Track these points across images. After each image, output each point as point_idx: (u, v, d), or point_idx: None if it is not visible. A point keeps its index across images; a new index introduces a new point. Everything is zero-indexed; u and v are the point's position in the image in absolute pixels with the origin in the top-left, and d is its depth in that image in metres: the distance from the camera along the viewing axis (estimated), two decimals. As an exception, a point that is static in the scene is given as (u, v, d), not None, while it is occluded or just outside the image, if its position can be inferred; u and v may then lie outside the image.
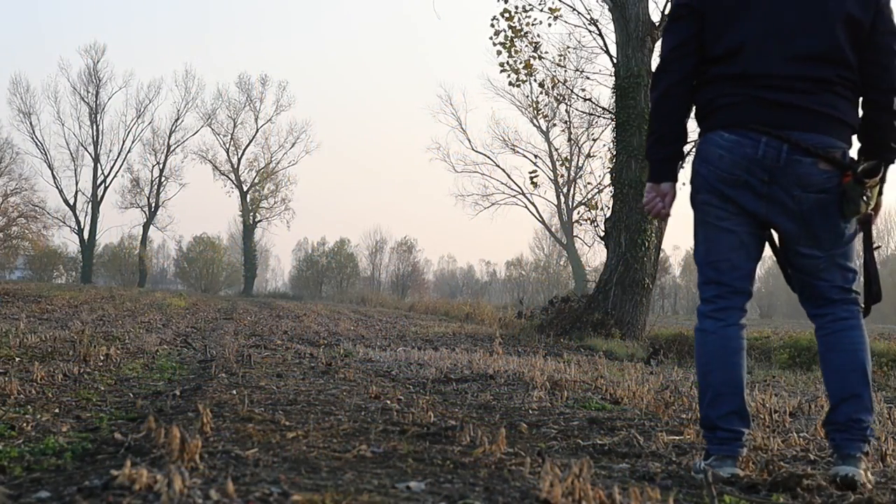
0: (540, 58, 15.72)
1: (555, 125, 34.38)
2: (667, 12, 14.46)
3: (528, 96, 38.55)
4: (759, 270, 78.41)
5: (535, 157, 41.33)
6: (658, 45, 14.51)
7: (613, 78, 14.48)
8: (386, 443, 3.16)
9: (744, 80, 2.82)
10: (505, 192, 45.69)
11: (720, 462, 2.77)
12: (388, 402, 4.44)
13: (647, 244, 13.75)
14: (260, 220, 55.26)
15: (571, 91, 16.34)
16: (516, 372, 6.39)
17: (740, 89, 2.82)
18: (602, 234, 14.60)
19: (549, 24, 15.84)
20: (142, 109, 53.31)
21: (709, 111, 2.89)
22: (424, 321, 19.67)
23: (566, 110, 17.93)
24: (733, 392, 2.81)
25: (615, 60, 14.46)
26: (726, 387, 2.82)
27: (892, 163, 2.89)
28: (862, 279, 3.02)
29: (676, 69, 2.93)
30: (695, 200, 2.93)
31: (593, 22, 15.25)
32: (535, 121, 43.32)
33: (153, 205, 53.39)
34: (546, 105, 20.36)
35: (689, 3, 2.90)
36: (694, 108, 3.00)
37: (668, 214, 3.02)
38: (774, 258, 3.00)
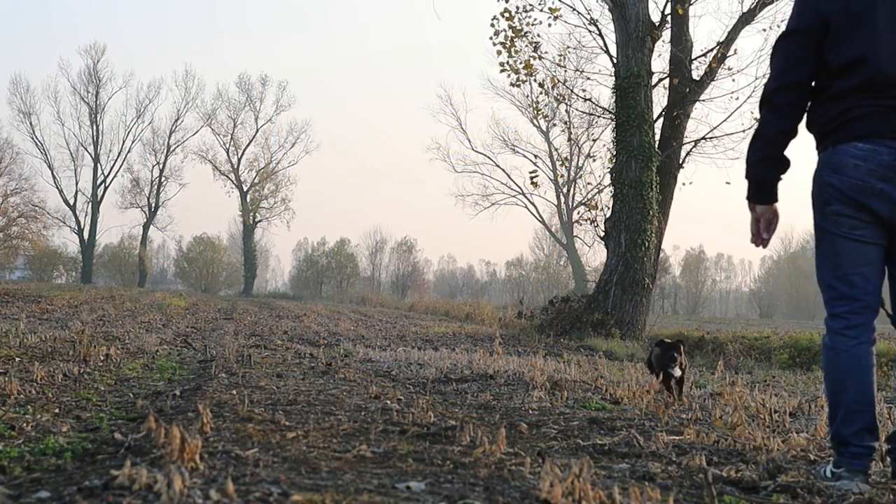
0: (540, 58, 15.72)
1: (555, 125, 34.44)
2: (667, 12, 14.49)
3: (528, 96, 38.60)
4: (759, 270, 76.72)
5: (535, 157, 41.45)
6: (664, 43, 14.50)
7: (613, 78, 14.48)
8: (386, 443, 3.16)
9: (873, 89, 2.82)
10: (505, 192, 45.74)
11: (851, 475, 2.79)
12: (388, 402, 4.44)
13: (647, 244, 13.75)
14: (260, 220, 55.30)
15: (571, 91, 16.33)
16: (516, 372, 6.39)
17: (872, 100, 2.82)
18: (602, 234, 14.60)
19: (549, 25, 15.81)
20: (142, 109, 53.41)
21: (838, 124, 2.87)
22: (424, 321, 19.67)
23: (566, 110, 17.92)
24: (866, 409, 2.83)
25: (615, 60, 14.45)
26: (859, 404, 2.83)
27: None
28: None
29: (794, 88, 2.92)
30: (824, 213, 2.90)
31: (593, 22, 15.25)
32: (535, 121, 43.36)
33: (153, 205, 53.43)
34: (546, 105, 20.39)
35: (815, 15, 2.88)
36: (815, 122, 2.98)
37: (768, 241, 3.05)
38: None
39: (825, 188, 2.88)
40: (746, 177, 2.99)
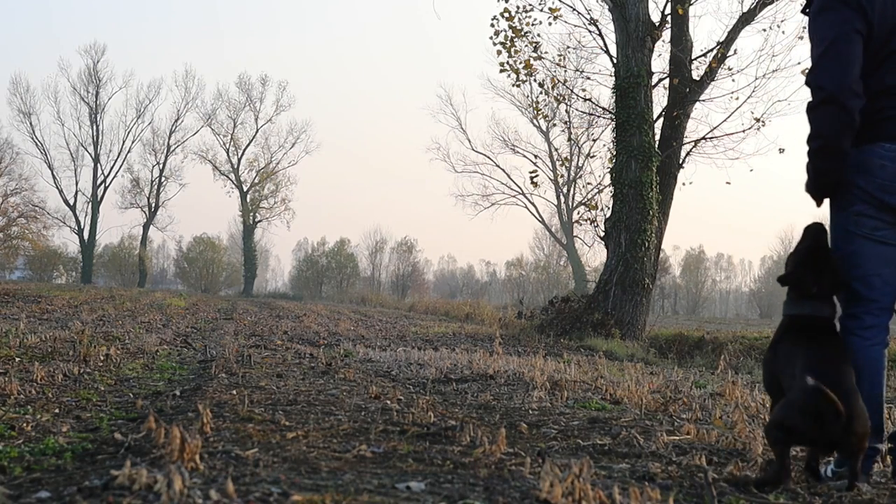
0: (540, 58, 15.72)
1: (555, 125, 34.40)
2: (667, 12, 14.49)
3: (528, 96, 38.53)
4: (760, 270, 76.67)
5: (535, 157, 41.34)
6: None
7: (613, 78, 14.48)
8: (386, 443, 3.16)
9: None
10: (505, 192, 45.70)
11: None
12: (388, 402, 4.44)
13: (647, 244, 13.75)
14: (260, 220, 55.29)
15: (571, 91, 16.33)
16: (516, 372, 6.38)
17: None
18: (602, 234, 14.60)
19: (549, 24, 15.84)
20: (142, 109, 53.40)
21: (868, 124, 2.85)
22: (424, 321, 19.67)
23: (566, 110, 17.88)
24: (874, 411, 2.84)
25: (615, 60, 14.45)
26: (869, 405, 2.82)
27: None
28: None
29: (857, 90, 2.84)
30: (847, 213, 2.89)
31: (593, 22, 15.25)
32: (535, 121, 43.34)
33: (153, 205, 53.45)
34: (546, 105, 20.35)
35: (864, 18, 2.83)
36: None
37: None
38: None
39: (850, 188, 2.86)
40: (815, 184, 2.92)
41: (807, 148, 2.92)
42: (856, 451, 2.62)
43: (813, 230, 2.96)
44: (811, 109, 2.88)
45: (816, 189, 2.95)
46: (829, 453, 2.74)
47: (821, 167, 2.88)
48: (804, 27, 14.82)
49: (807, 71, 2.99)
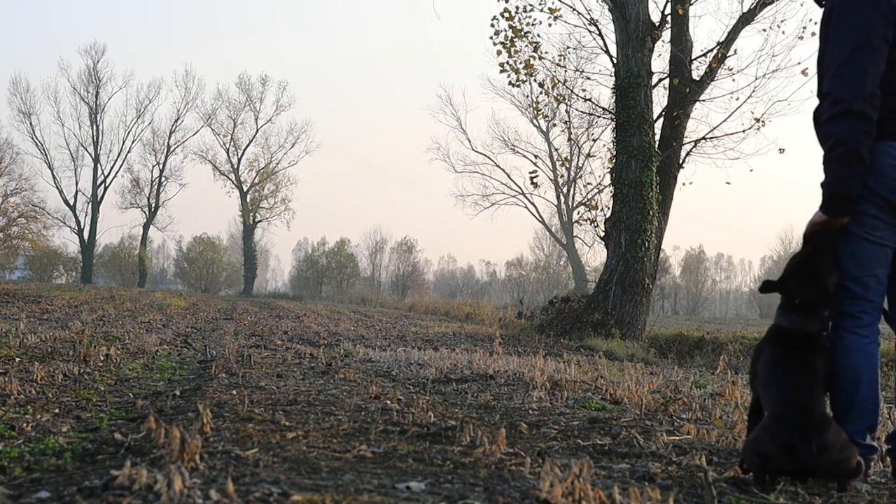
0: (540, 58, 15.72)
1: (555, 125, 34.41)
2: (667, 12, 14.49)
3: (528, 96, 38.57)
4: (760, 270, 76.60)
5: (535, 157, 41.36)
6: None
7: (613, 78, 14.48)
8: (386, 443, 3.16)
9: None
10: (505, 193, 45.70)
11: None
12: (388, 402, 4.44)
13: (647, 244, 13.75)
14: (260, 220, 55.30)
15: (571, 91, 16.33)
16: (516, 372, 6.39)
17: None
18: (602, 234, 14.60)
19: (549, 25, 15.82)
20: (142, 109, 53.42)
21: (880, 123, 2.80)
22: (424, 321, 19.67)
23: (566, 110, 17.87)
24: (873, 409, 2.85)
25: (615, 60, 14.46)
26: (869, 403, 2.84)
27: None
28: None
29: (876, 100, 2.79)
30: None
31: (593, 22, 15.25)
32: (535, 121, 43.34)
33: (153, 205, 53.45)
34: (546, 105, 20.36)
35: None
36: None
37: None
38: None
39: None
40: (833, 192, 2.81)
41: (826, 158, 2.82)
42: (835, 478, 2.61)
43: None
44: (830, 120, 2.80)
45: (836, 201, 2.81)
46: (806, 481, 2.71)
47: (844, 174, 2.77)
48: (804, 27, 14.81)
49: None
